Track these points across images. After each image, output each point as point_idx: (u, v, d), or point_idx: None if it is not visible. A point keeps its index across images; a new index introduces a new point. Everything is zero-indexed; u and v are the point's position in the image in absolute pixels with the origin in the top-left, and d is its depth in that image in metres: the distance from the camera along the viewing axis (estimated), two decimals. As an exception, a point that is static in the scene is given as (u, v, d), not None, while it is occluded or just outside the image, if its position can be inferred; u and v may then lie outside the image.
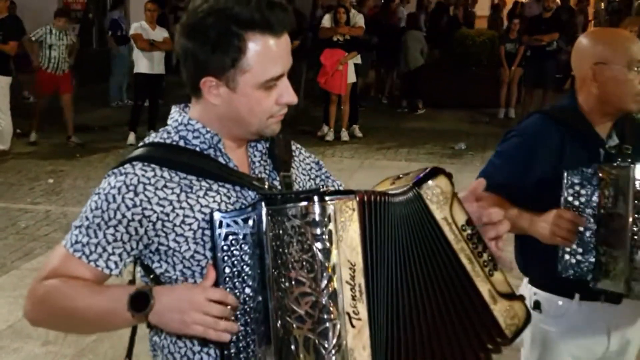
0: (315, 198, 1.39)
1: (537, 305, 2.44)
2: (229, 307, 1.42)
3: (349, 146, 9.86)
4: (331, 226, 1.39)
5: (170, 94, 10.73)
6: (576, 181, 2.19)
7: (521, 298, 1.64)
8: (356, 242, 1.43)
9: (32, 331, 4.35)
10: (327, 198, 1.40)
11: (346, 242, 1.42)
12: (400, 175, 1.63)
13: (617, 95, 2.30)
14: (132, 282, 1.60)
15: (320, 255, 1.38)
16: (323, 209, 1.39)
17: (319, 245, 1.38)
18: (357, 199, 1.44)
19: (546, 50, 10.96)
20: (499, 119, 11.70)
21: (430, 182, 1.54)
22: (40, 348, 4.21)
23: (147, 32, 9.50)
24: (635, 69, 2.27)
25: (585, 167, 2.20)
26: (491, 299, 1.57)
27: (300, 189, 1.69)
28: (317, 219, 1.38)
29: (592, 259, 2.19)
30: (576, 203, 2.19)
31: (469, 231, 1.56)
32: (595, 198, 2.18)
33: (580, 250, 2.20)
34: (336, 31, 9.70)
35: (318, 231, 1.38)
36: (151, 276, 1.55)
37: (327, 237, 1.38)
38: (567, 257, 2.21)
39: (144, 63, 9.50)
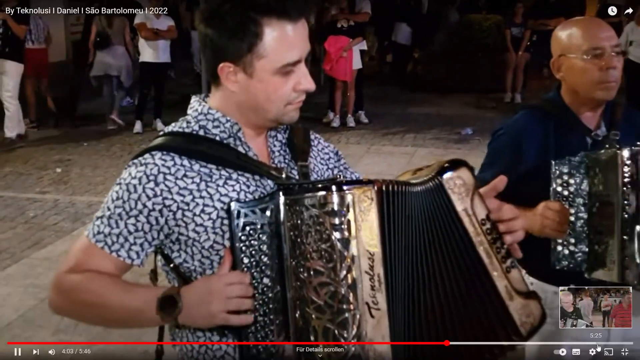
0: (333, 187, 1.39)
1: None
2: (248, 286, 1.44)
3: (355, 132, 9.83)
4: (350, 216, 1.39)
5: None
6: (565, 171, 2.17)
7: (537, 297, 1.63)
8: (375, 231, 1.43)
9: (43, 320, 4.37)
10: (345, 187, 1.40)
11: (365, 232, 1.41)
12: (422, 167, 1.63)
13: (580, 85, 2.30)
14: (153, 271, 1.63)
15: (339, 245, 1.38)
16: (342, 199, 1.39)
17: (337, 235, 1.38)
18: (375, 188, 1.44)
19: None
20: (505, 104, 11.64)
21: (452, 172, 1.54)
22: (51, 337, 4.20)
23: (152, 20, 9.46)
24: (590, 56, 2.25)
25: (572, 156, 2.18)
26: (507, 295, 1.57)
27: (318, 179, 1.69)
28: (335, 208, 1.38)
29: (585, 249, 2.16)
30: (565, 193, 2.17)
31: (488, 225, 1.56)
32: (584, 187, 2.15)
33: (572, 240, 2.17)
34: (337, 17, 9.66)
35: (337, 221, 1.38)
36: (171, 265, 1.57)
37: (345, 226, 1.38)
38: (559, 248, 2.18)
39: (149, 52, 9.47)
